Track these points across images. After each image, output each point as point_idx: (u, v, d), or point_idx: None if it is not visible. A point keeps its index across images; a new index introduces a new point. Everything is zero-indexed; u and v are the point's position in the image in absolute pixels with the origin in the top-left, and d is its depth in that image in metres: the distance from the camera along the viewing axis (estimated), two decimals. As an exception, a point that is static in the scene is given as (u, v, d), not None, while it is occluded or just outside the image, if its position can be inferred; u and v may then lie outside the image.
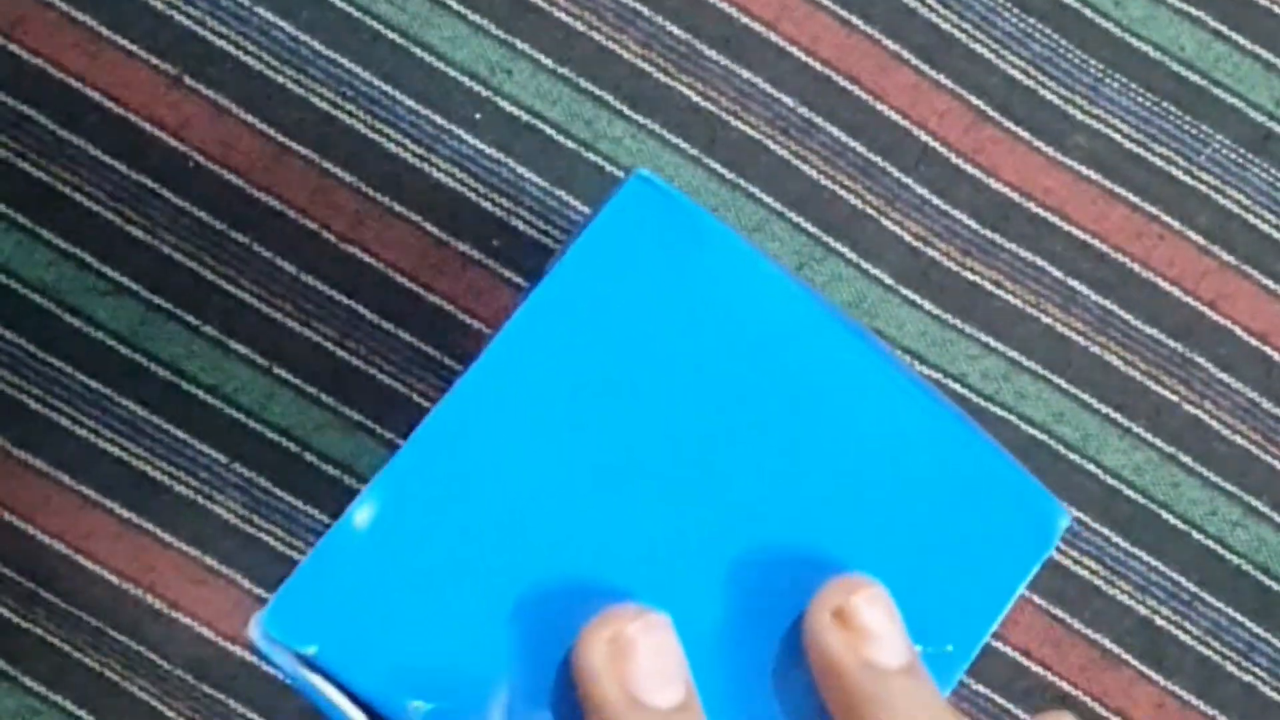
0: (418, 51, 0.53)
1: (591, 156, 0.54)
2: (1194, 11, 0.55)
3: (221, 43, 0.53)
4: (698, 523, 0.26)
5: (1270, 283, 0.55)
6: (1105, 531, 0.54)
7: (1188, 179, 0.55)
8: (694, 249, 0.26)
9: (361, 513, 0.26)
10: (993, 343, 0.55)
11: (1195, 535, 0.55)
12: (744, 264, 0.26)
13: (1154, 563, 0.54)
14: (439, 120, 0.53)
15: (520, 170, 0.54)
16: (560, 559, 0.26)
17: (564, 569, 0.26)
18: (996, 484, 0.28)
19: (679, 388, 0.26)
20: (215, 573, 0.53)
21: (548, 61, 0.54)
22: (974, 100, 0.55)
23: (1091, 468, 0.54)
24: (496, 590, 0.25)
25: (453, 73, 0.54)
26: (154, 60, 0.53)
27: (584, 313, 0.26)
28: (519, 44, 0.54)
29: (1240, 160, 0.55)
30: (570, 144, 0.54)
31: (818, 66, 0.54)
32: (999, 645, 0.54)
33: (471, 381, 0.27)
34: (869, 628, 0.25)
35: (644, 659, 0.23)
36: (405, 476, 0.26)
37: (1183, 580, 0.54)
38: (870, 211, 0.54)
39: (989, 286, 0.55)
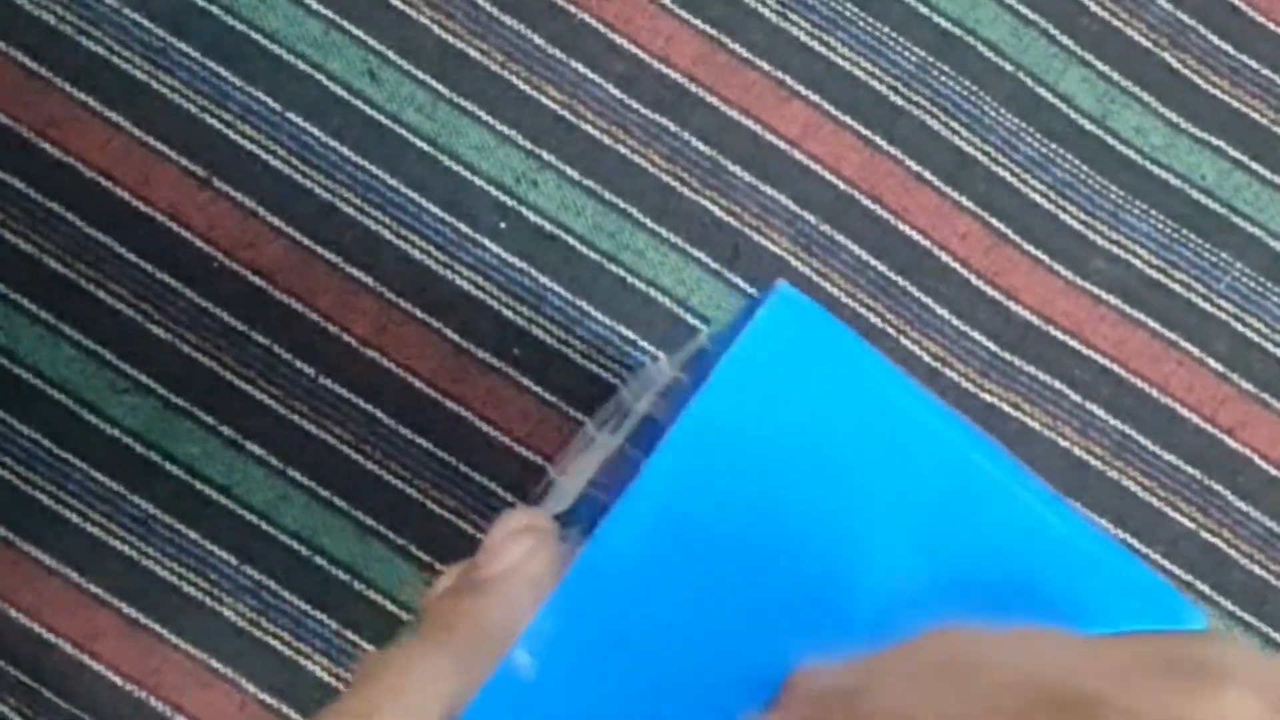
0: (445, 160, 0.54)
1: (614, 268, 0.54)
2: (1214, 140, 0.56)
3: (251, 146, 0.54)
4: (839, 634, 0.26)
5: (1289, 412, 0.55)
6: (1121, 660, 0.54)
7: (1207, 306, 0.55)
8: (835, 364, 0.27)
9: (521, 655, 0.26)
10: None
11: (1212, 666, 0.54)
12: (885, 382, 0.27)
13: (1170, 693, 0.54)
14: (464, 228, 0.54)
15: (542, 280, 0.54)
16: (705, 674, 0.26)
17: (709, 680, 0.26)
18: (1134, 589, 0.28)
19: (822, 498, 0.26)
20: (220, 675, 0.52)
21: (573, 173, 0.54)
22: (995, 223, 0.55)
23: (1108, 594, 0.54)
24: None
25: (479, 181, 0.54)
26: (184, 161, 0.53)
27: (733, 426, 0.26)
28: (545, 155, 0.54)
29: (1260, 288, 0.55)
30: (593, 255, 0.54)
31: (841, 185, 0.55)
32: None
33: (632, 500, 0.27)
34: None
35: None
36: (565, 608, 0.27)
37: (1199, 712, 0.54)
38: (890, 330, 0.54)
39: (1006, 408, 0.55)
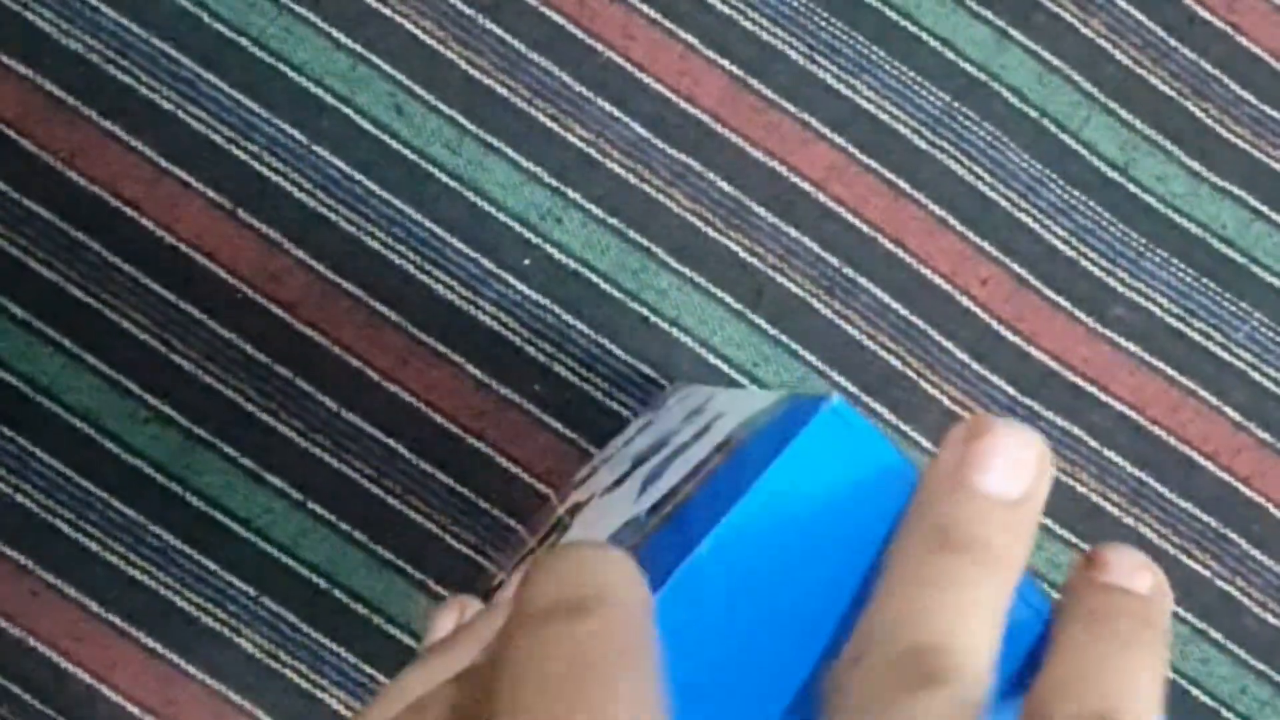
0: (470, 195, 0.54)
1: (636, 307, 0.54)
2: (1235, 190, 0.56)
3: (277, 178, 0.54)
4: None
5: (1305, 462, 0.55)
6: (1134, 707, 0.54)
7: (1225, 355, 0.56)
8: (877, 482, 0.27)
9: None
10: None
11: (1225, 714, 0.54)
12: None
13: (1182, 740, 0.54)
14: (488, 264, 0.54)
15: (565, 317, 0.54)
16: None
17: None
18: None
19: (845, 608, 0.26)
20: (237, 707, 0.52)
21: (598, 211, 0.54)
22: (1017, 268, 0.55)
23: (1122, 641, 0.54)
24: None
25: (504, 218, 0.54)
26: (209, 192, 0.53)
27: (774, 534, 0.26)
28: (570, 193, 0.54)
29: (1278, 338, 0.56)
30: (616, 293, 0.54)
31: (864, 228, 0.55)
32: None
33: (668, 599, 0.27)
34: None
35: None
36: None
37: (1211, 760, 0.54)
38: (910, 374, 0.55)
39: (1025, 453, 0.55)
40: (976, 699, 0.22)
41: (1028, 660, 0.27)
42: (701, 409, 0.38)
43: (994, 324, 0.55)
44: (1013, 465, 0.24)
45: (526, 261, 0.54)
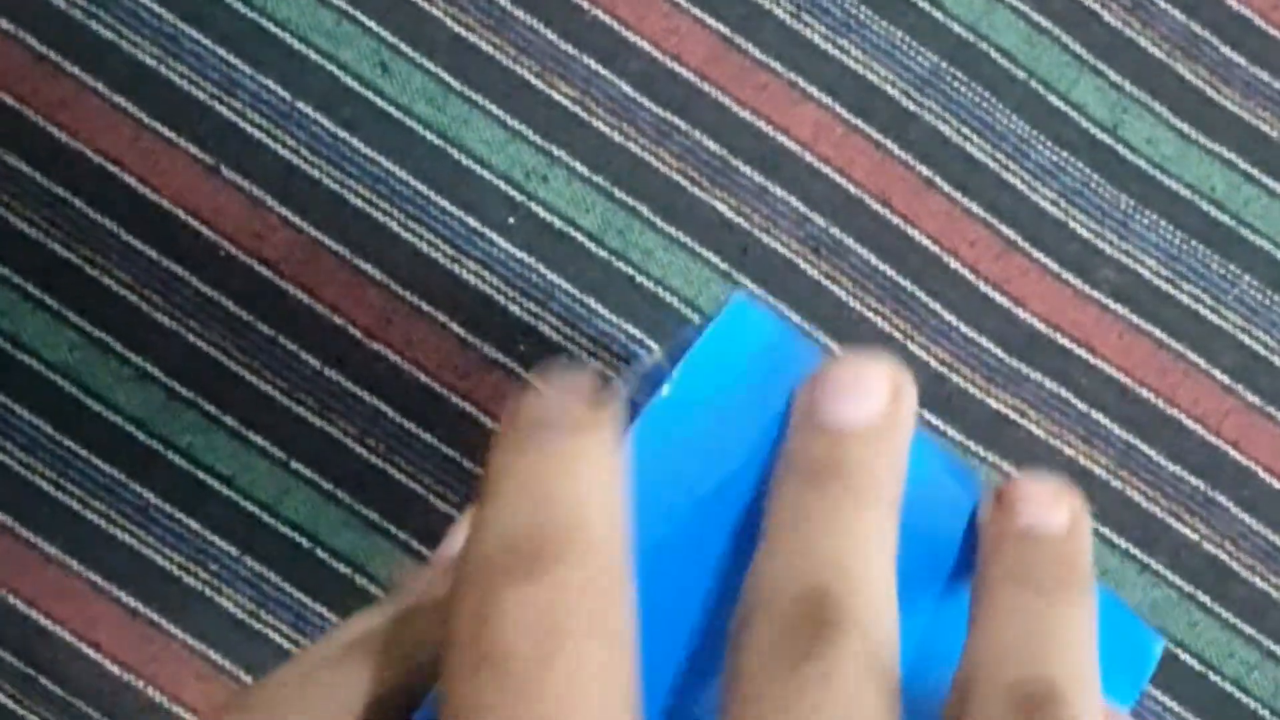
0: (455, 153, 0.54)
1: (622, 266, 0.54)
2: (1225, 153, 0.56)
3: (260, 135, 0.53)
4: None
5: (1294, 426, 0.55)
6: (1121, 670, 0.54)
7: (1214, 317, 0.55)
8: (789, 371, 0.26)
9: None
10: (1014, 473, 0.54)
11: (1212, 677, 0.54)
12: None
13: (1170, 703, 0.54)
14: (472, 222, 0.54)
15: (550, 276, 0.54)
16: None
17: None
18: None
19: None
20: (219, 667, 0.52)
21: (583, 170, 0.54)
22: (1005, 230, 0.55)
23: (1109, 604, 0.54)
24: None
25: (488, 176, 0.54)
26: (193, 149, 0.53)
27: (685, 432, 0.26)
28: (556, 151, 0.54)
29: (1267, 301, 0.55)
30: (602, 253, 0.54)
31: (851, 189, 0.55)
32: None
33: None
34: None
35: None
36: None
37: (1198, 724, 0.54)
38: (897, 335, 0.54)
39: (1012, 416, 0.55)
40: (881, 645, 0.21)
41: (966, 543, 0.26)
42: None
43: (981, 285, 0.55)
44: (862, 392, 0.24)
45: (511, 219, 0.54)
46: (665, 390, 0.26)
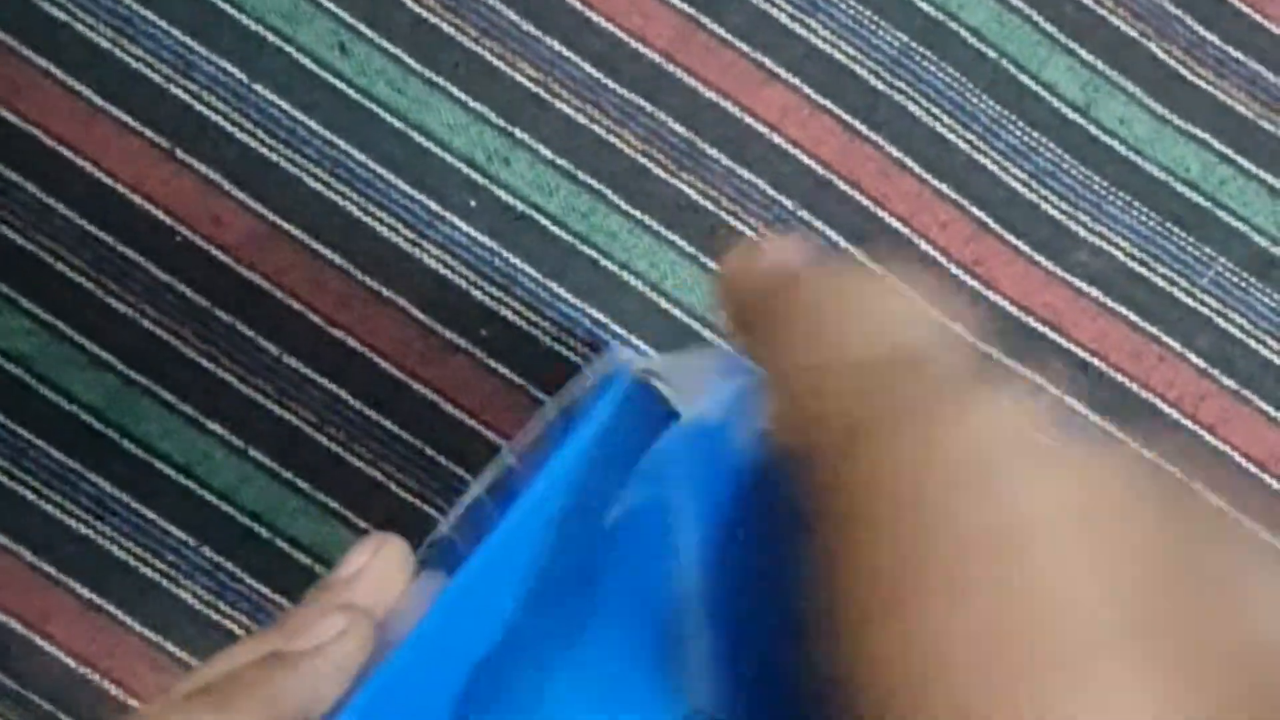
0: (415, 136, 0.53)
1: (586, 249, 0.53)
2: (1200, 134, 0.55)
3: (217, 118, 0.52)
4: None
5: (1271, 409, 0.54)
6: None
7: (1189, 300, 0.54)
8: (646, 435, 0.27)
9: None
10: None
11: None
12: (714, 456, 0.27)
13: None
14: (433, 206, 0.53)
15: (513, 260, 0.53)
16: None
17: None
18: None
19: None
20: (176, 659, 0.51)
21: (547, 152, 0.53)
22: (976, 211, 0.54)
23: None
24: None
25: (449, 159, 0.53)
26: (148, 133, 0.52)
27: (569, 502, 0.26)
28: (518, 133, 0.53)
29: (1243, 284, 0.54)
30: (566, 236, 0.53)
31: (819, 170, 0.54)
32: None
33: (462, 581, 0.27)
34: None
35: None
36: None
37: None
38: (867, 319, 0.53)
39: (985, 400, 0.54)
40: None
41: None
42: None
43: (953, 268, 0.54)
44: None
45: (473, 203, 0.53)
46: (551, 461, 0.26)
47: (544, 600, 0.26)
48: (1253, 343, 0.54)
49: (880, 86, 0.54)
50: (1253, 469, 0.54)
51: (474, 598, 0.26)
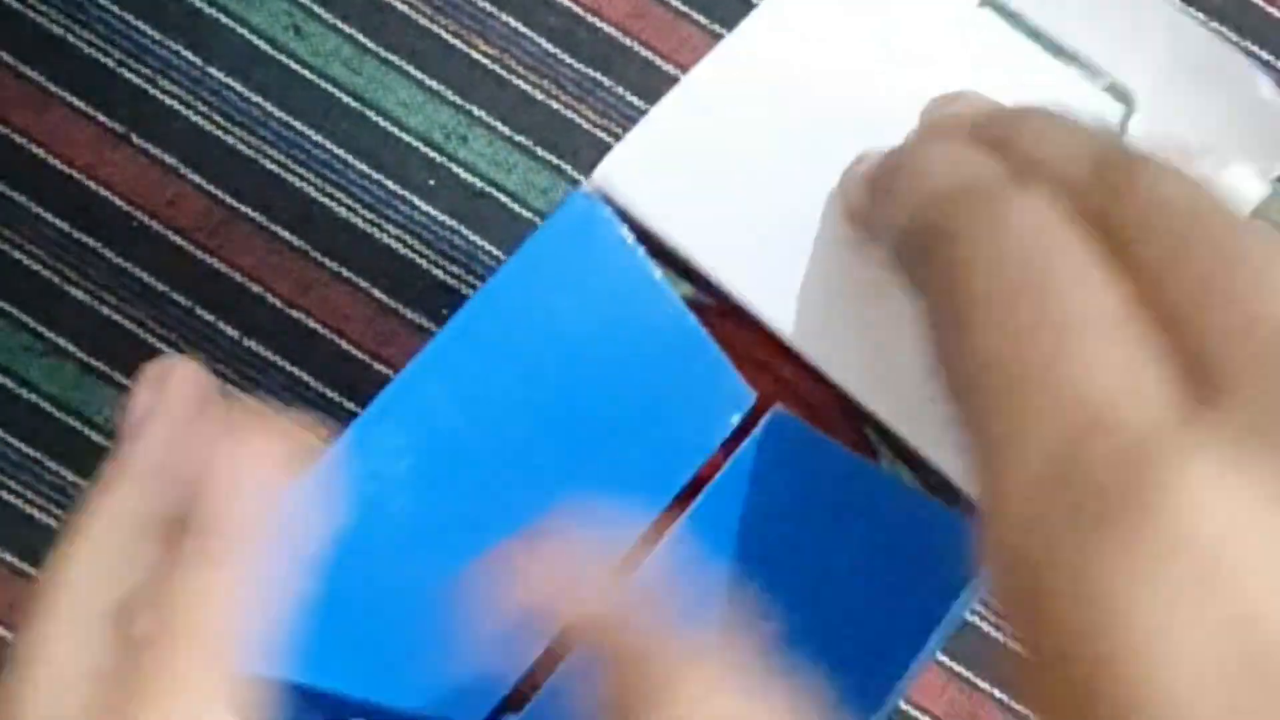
0: (372, 115, 0.53)
1: (547, 226, 0.53)
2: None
3: (171, 102, 0.52)
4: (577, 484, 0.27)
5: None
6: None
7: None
8: (614, 271, 0.27)
9: None
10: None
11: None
12: (653, 293, 0.28)
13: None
14: (391, 186, 0.52)
15: (473, 238, 0.52)
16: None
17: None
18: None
19: (579, 384, 0.27)
20: (143, 647, 0.51)
21: (504, 129, 0.53)
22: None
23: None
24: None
25: (407, 138, 0.53)
26: (101, 117, 0.52)
27: (511, 320, 0.27)
28: (476, 111, 0.53)
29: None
30: (526, 212, 0.53)
31: (779, 141, 0.53)
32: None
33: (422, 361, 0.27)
34: None
35: None
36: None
37: None
38: (830, 288, 0.53)
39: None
40: None
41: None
42: None
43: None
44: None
45: (431, 182, 0.53)
46: (491, 280, 0.27)
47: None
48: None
49: (839, 55, 0.54)
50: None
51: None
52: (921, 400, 0.26)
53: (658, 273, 0.28)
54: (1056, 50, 0.31)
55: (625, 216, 0.27)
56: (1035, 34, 0.31)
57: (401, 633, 0.26)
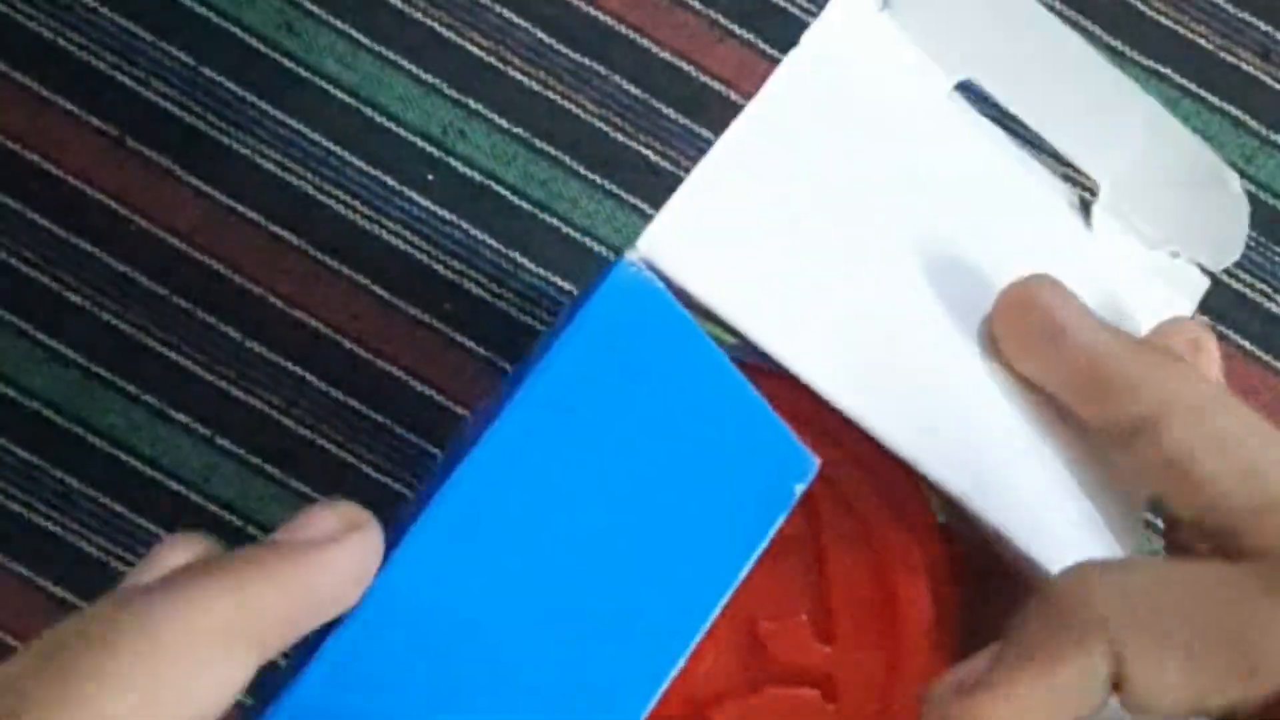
0: (368, 112, 0.52)
1: (547, 218, 0.52)
2: (1161, 69, 0.55)
3: (165, 104, 0.52)
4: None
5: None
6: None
7: (1159, 238, 0.54)
8: (671, 349, 0.26)
9: None
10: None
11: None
12: (708, 364, 0.27)
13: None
14: (390, 181, 0.52)
15: (474, 232, 0.52)
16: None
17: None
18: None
19: (640, 466, 0.26)
20: (153, 654, 0.50)
21: (502, 121, 0.52)
22: (939, 159, 0.53)
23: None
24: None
25: (404, 133, 0.52)
26: (95, 122, 0.51)
27: (565, 415, 0.25)
28: (472, 104, 0.52)
29: (1212, 219, 0.54)
30: (525, 205, 0.52)
31: (779, 125, 0.53)
32: None
33: (469, 472, 0.25)
34: None
35: None
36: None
37: None
38: (834, 273, 0.53)
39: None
40: None
41: None
42: None
43: (918, 217, 0.53)
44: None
45: (430, 177, 0.52)
46: (538, 379, 0.25)
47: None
48: (1227, 279, 0.54)
49: (836, 38, 0.53)
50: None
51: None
52: (985, 468, 0.26)
53: (711, 342, 0.27)
54: (1025, 139, 0.31)
55: (671, 285, 0.26)
56: (1005, 120, 0.32)
57: None
